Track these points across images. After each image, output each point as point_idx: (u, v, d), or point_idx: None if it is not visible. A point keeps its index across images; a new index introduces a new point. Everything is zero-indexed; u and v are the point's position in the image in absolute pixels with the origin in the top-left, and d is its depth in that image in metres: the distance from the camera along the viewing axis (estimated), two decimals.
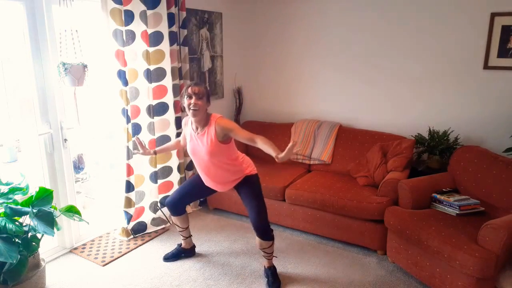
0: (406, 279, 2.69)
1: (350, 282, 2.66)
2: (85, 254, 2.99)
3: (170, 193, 3.52)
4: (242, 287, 2.61)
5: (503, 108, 3.17)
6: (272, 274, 2.65)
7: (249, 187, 2.60)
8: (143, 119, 3.19)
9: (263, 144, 2.27)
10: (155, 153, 2.79)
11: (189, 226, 2.95)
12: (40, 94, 2.74)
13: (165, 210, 3.52)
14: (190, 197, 2.88)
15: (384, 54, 3.58)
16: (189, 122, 2.58)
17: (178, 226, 2.90)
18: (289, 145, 2.12)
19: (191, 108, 2.39)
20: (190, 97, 2.40)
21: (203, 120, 2.46)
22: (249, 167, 2.64)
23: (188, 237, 2.97)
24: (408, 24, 3.42)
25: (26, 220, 2.37)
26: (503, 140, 3.17)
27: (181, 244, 3.00)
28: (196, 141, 2.50)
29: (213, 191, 2.77)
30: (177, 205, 2.79)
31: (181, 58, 3.49)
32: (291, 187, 3.27)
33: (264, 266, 2.73)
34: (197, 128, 2.50)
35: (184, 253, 2.99)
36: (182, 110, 2.55)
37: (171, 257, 2.94)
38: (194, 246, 3.05)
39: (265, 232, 2.52)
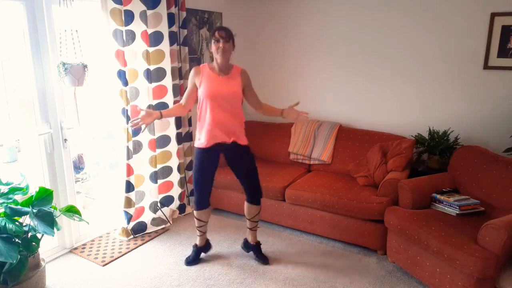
0: (406, 279, 2.69)
1: (350, 282, 2.66)
2: (85, 254, 2.99)
3: (170, 193, 3.53)
4: (242, 287, 2.62)
5: (503, 108, 3.17)
6: (259, 249, 2.92)
7: (251, 156, 2.76)
8: None
9: (268, 106, 2.80)
10: (161, 115, 2.61)
11: None
12: (40, 94, 2.74)
13: (165, 210, 3.52)
14: (210, 182, 2.78)
15: (383, 54, 3.58)
16: (205, 69, 2.60)
17: (201, 221, 2.83)
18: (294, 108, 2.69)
19: (219, 52, 2.48)
20: (218, 41, 2.48)
21: (227, 65, 2.58)
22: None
23: (205, 232, 2.93)
24: (408, 24, 3.42)
25: (26, 220, 2.37)
26: (503, 140, 3.17)
27: (196, 245, 2.93)
28: (220, 82, 2.56)
29: (217, 165, 2.74)
30: (206, 198, 2.78)
31: (181, 58, 3.50)
32: (291, 187, 3.27)
33: (251, 243, 2.93)
34: (220, 72, 2.58)
35: (203, 250, 2.95)
36: (210, 56, 2.64)
37: (192, 261, 2.88)
38: (208, 240, 3.00)
39: (261, 194, 2.83)
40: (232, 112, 2.60)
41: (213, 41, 2.51)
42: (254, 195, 2.81)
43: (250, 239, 2.96)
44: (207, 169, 2.70)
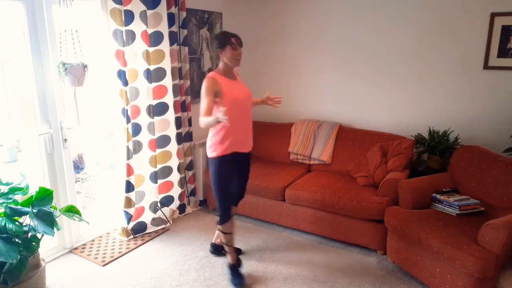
0: (406, 279, 2.69)
1: (350, 282, 2.66)
2: (85, 254, 2.99)
3: (170, 193, 3.53)
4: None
5: (503, 108, 3.17)
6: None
7: (249, 162, 2.79)
8: (143, 119, 3.19)
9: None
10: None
11: None
12: (40, 94, 2.74)
13: (165, 210, 3.52)
14: (231, 190, 2.66)
15: (384, 54, 3.58)
16: (218, 76, 2.48)
17: (230, 234, 2.68)
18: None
19: (237, 58, 2.51)
20: (236, 48, 2.50)
21: (232, 70, 2.60)
22: None
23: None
24: (409, 24, 3.42)
25: (26, 220, 2.37)
26: (503, 140, 3.17)
27: (233, 264, 2.70)
28: (239, 87, 2.57)
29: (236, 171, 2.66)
30: (231, 208, 2.68)
31: (181, 58, 3.50)
32: (291, 187, 3.27)
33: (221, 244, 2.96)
34: (229, 77, 2.56)
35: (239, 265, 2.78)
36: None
37: (242, 281, 2.62)
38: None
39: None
40: (249, 115, 2.63)
41: (229, 47, 2.47)
42: (240, 198, 2.83)
43: (219, 241, 2.95)
44: (231, 176, 2.59)
